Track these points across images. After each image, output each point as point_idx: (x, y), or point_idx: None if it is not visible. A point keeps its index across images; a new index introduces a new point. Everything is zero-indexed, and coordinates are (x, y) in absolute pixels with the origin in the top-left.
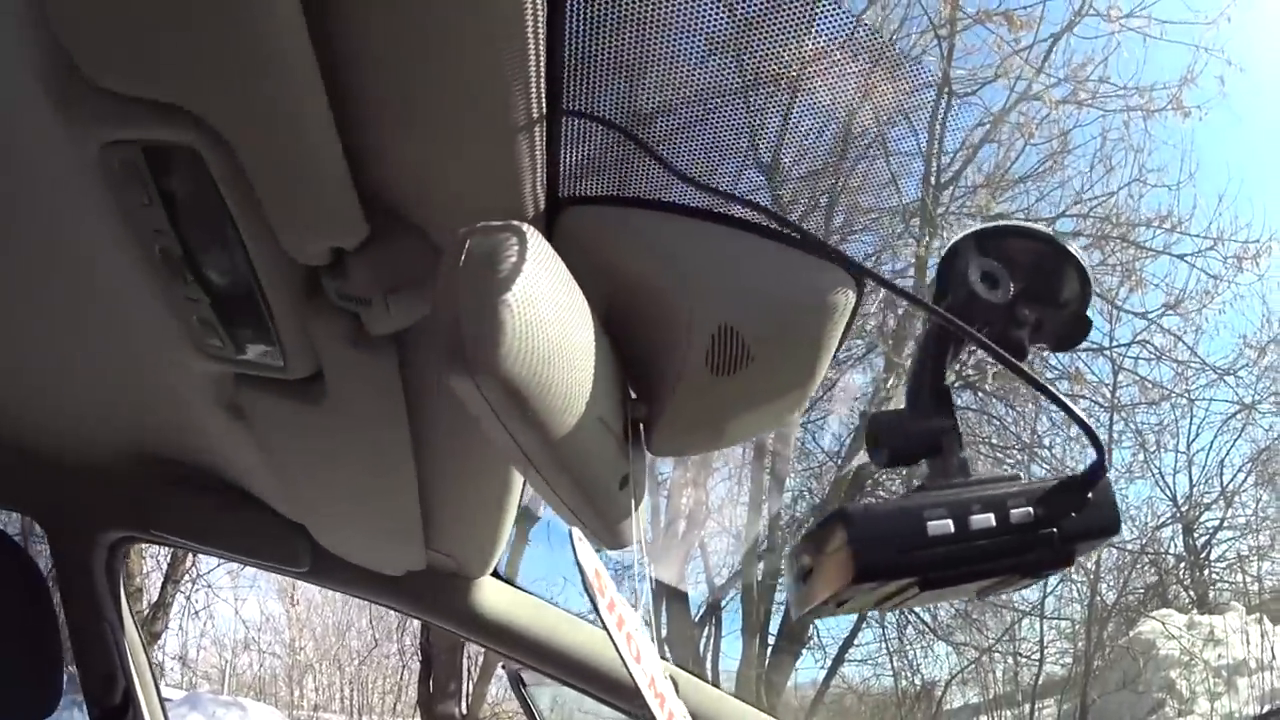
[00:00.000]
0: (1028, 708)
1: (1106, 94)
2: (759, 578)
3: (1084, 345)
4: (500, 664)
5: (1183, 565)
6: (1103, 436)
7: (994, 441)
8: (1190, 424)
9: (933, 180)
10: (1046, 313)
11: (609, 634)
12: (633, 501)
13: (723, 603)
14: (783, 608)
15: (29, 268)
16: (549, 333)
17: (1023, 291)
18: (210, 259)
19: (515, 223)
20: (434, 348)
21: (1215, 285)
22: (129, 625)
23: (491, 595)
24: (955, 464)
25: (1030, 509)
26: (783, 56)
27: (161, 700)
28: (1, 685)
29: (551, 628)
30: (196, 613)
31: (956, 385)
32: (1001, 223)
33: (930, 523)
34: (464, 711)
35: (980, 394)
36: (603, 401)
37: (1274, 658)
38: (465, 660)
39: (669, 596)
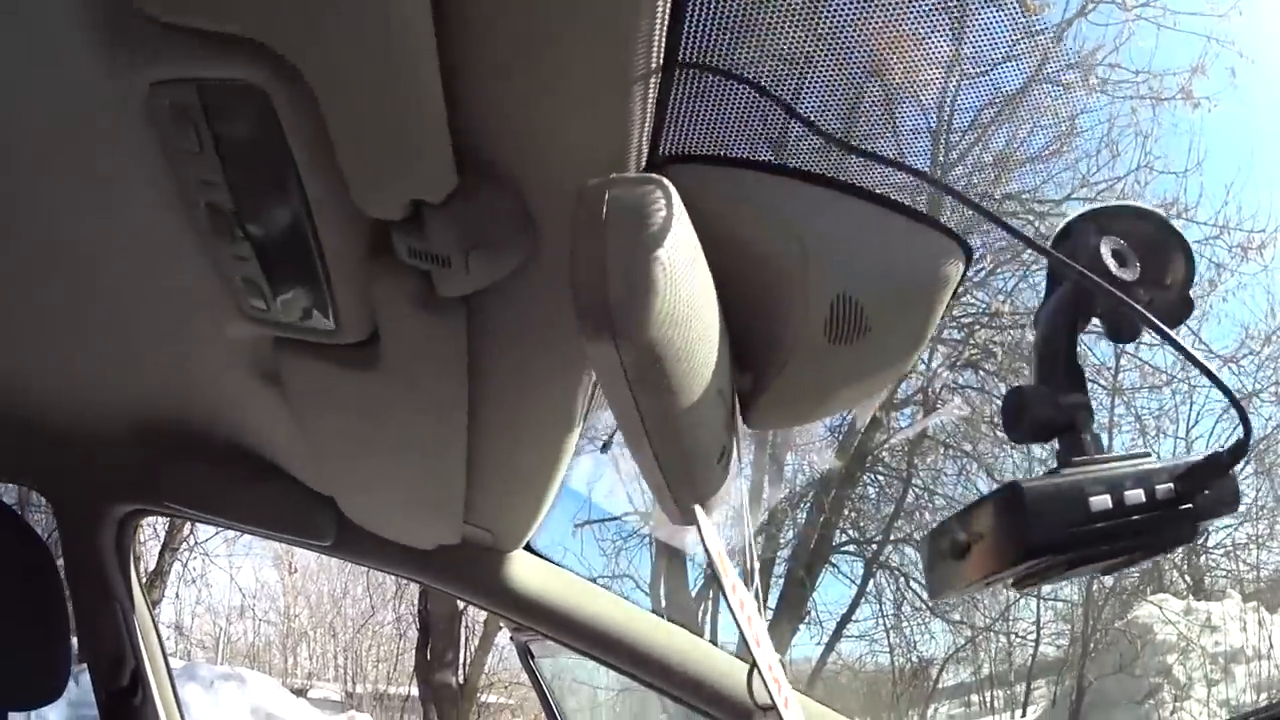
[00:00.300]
0: (1020, 688)
1: (1116, 80)
2: (759, 551)
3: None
4: (510, 634)
5: (1179, 551)
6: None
7: (995, 420)
8: (1190, 410)
9: (940, 158)
10: (1155, 293)
11: (733, 615)
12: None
13: None
14: (781, 580)
15: (41, 222)
16: (687, 296)
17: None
18: (263, 213)
19: (652, 175)
20: (511, 311)
21: (1219, 274)
22: (139, 604)
23: (524, 569)
24: (1091, 440)
25: (1171, 485)
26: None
27: (173, 681)
28: (5, 669)
29: (584, 603)
30: (193, 580)
31: (959, 365)
32: (1115, 203)
33: (1091, 499)
34: (461, 680)
35: (981, 372)
36: (721, 372)
37: (1271, 647)
38: (463, 629)
39: (667, 571)
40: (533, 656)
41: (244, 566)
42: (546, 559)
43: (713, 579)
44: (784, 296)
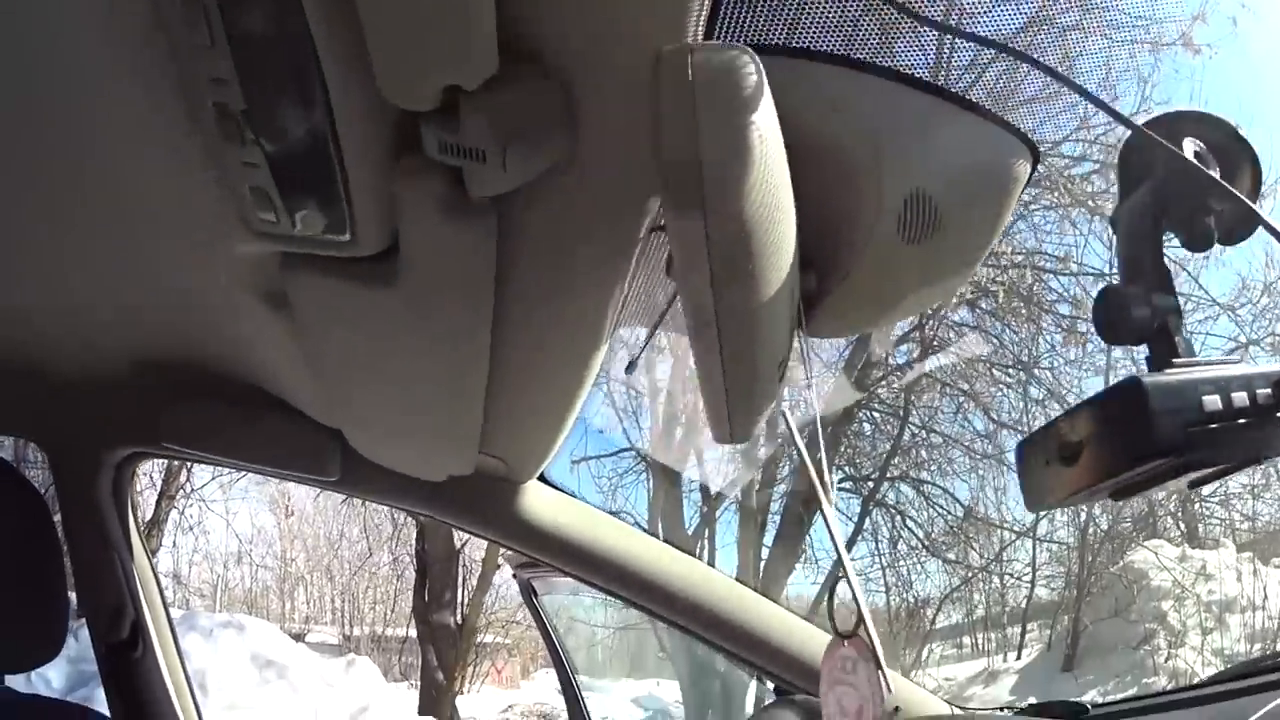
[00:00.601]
0: (1015, 630)
1: (1115, 23)
2: (756, 488)
3: (1086, 270)
4: (512, 572)
5: (1174, 497)
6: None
7: (992, 360)
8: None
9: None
10: (1224, 203)
11: (829, 529)
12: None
13: (717, 514)
14: (778, 518)
15: (26, 140)
16: (776, 171)
17: None
18: (277, 113)
19: (734, 44)
20: (542, 220)
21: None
22: (139, 552)
23: (539, 500)
24: (1184, 343)
25: (1270, 390)
26: None
27: (174, 632)
28: (1, 630)
29: (600, 535)
30: (190, 528)
31: (956, 303)
32: (1186, 108)
33: (1204, 398)
34: (459, 620)
35: (977, 311)
36: (794, 269)
37: (1266, 598)
38: (460, 569)
39: (664, 510)
40: (535, 594)
41: (240, 512)
42: (560, 489)
43: (707, 520)
44: (856, 193)
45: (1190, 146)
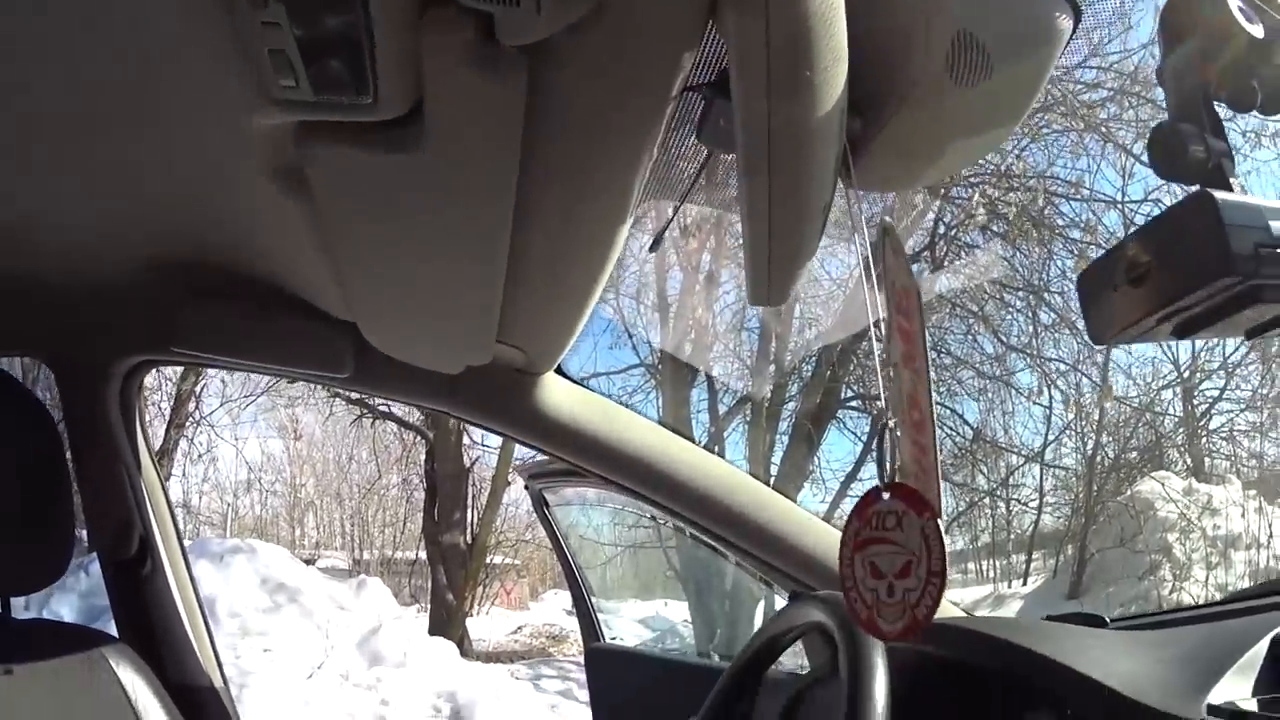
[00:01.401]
0: (1020, 558)
1: None
2: (765, 405)
3: (1097, 196)
4: (525, 483)
5: (1181, 430)
6: None
7: (1003, 282)
8: None
9: None
10: (1267, 68)
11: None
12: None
13: (725, 433)
14: (786, 438)
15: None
16: None
17: None
18: None
19: None
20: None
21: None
22: (147, 465)
23: (557, 393)
24: (1239, 186)
25: None
26: None
27: (183, 548)
28: (3, 550)
29: (620, 430)
30: (199, 456)
31: (965, 223)
32: None
33: (1272, 222)
34: (469, 540)
35: (988, 233)
36: (846, 95)
37: (1271, 536)
38: (470, 489)
39: (673, 426)
40: (547, 506)
41: (249, 439)
42: (578, 383)
43: (715, 439)
44: (903, 26)
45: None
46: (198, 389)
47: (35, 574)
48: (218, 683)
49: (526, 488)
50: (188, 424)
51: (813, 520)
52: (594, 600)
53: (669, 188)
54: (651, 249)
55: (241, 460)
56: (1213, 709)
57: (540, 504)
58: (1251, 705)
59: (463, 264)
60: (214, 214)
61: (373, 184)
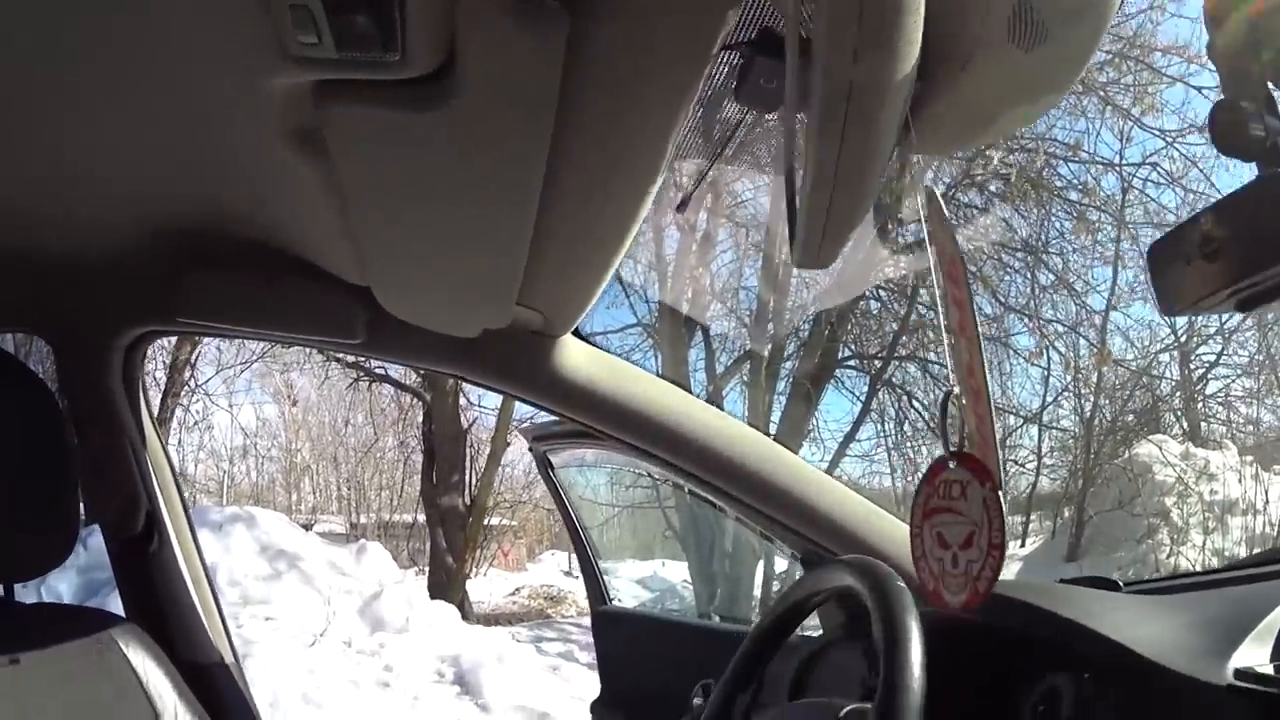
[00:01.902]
0: (1018, 519)
1: None
2: (764, 364)
3: (1097, 159)
4: (529, 445)
5: (1177, 395)
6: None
7: (1001, 242)
8: None
9: None
10: None
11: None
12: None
13: (724, 393)
14: (783, 399)
15: None
16: None
17: None
18: None
19: None
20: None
21: None
22: (152, 439)
23: (575, 356)
24: None
25: None
26: None
27: (191, 523)
28: (6, 535)
29: (641, 394)
30: (195, 424)
31: (964, 183)
32: None
33: None
34: (468, 502)
35: (986, 193)
36: (919, 54)
37: (1268, 502)
38: (468, 451)
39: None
40: (552, 468)
41: (244, 406)
42: (595, 345)
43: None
44: None
45: None
46: (193, 357)
47: (40, 557)
48: (229, 659)
49: (530, 450)
50: (183, 392)
51: (828, 480)
52: (599, 563)
53: (694, 148)
54: (678, 210)
55: (237, 427)
56: (1238, 673)
57: (545, 466)
58: (1269, 670)
59: (487, 225)
60: (224, 179)
61: (395, 144)
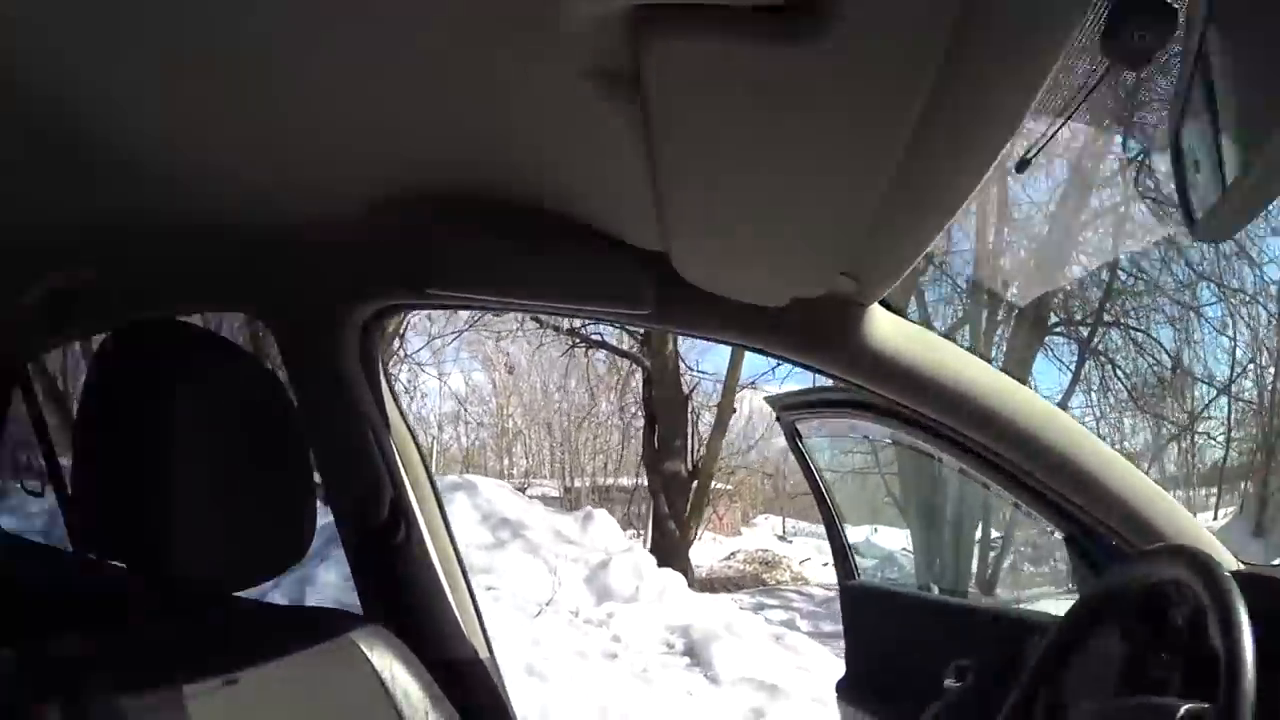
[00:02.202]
0: (1203, 491)
1: None
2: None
3: None
4: (776, 415)
5: None
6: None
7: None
8: None
9: None
10: None
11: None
12: None
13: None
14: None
15: None
16: None
17: None
18: None
19: None
20: None
21: None
22: (394, 419)
23: (885, 326)
24: None
25: None
26: None
27: (442, 507)
28: (243, 531)
29: (954, 370)
30: (405, 391)
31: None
32: None
33: None
34: (690, 468)
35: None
36: None
37: None
38: (691, 416)
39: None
40: (800, 438)
41: (452, 374)
42: (899, 313)
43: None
44: None
45: None
46: (402, 328)
47: (275, 558)
48: (484, 654)
49: (779, 419)
50: (391, 362)
51: (1132, 471)
52: (849, 539)
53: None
54: (1019, 169)
55: (445, 394)
56: None
57: (793, 436)
58: None
59: (832, 184)
60: (495, 134)
61: (732, 85)
